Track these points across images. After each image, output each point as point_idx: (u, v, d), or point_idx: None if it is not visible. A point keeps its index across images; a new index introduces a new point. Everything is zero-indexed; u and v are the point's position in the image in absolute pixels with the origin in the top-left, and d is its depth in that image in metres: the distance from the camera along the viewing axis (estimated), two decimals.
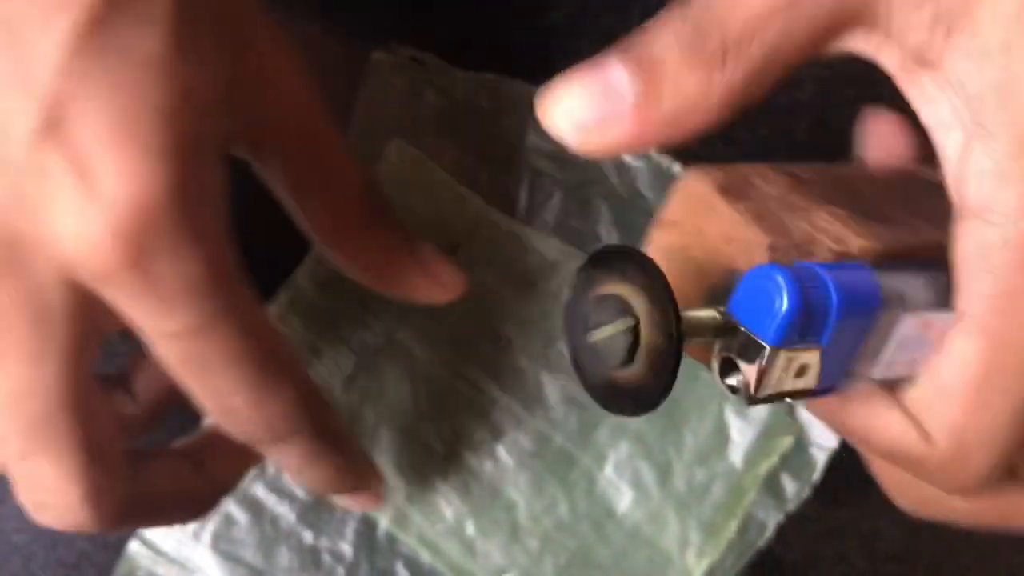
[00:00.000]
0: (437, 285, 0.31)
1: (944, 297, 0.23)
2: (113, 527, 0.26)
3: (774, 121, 0.37)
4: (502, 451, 0.35)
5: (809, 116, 0.37)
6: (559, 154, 0.36)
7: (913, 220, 0.24)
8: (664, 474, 0.34)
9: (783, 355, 0.21)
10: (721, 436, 0.34)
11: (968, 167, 0.21)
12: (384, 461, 0.35)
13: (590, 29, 0.38)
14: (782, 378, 0.21)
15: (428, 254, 0.32)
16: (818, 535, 0.34)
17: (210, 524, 0.35)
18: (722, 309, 0.21)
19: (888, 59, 0.23)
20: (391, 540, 0.35)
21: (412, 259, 0.31)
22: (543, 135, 0.36)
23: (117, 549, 0.35)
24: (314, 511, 0.35)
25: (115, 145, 0.22)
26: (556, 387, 0.35)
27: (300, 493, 0.35)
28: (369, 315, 0.35)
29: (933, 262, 0.23)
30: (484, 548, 0.34)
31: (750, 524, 0.34)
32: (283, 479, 0.35)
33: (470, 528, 0.35)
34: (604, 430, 0.35)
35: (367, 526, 0.35)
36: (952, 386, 0.22)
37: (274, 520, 0.35)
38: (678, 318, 0.20)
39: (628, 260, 0.21)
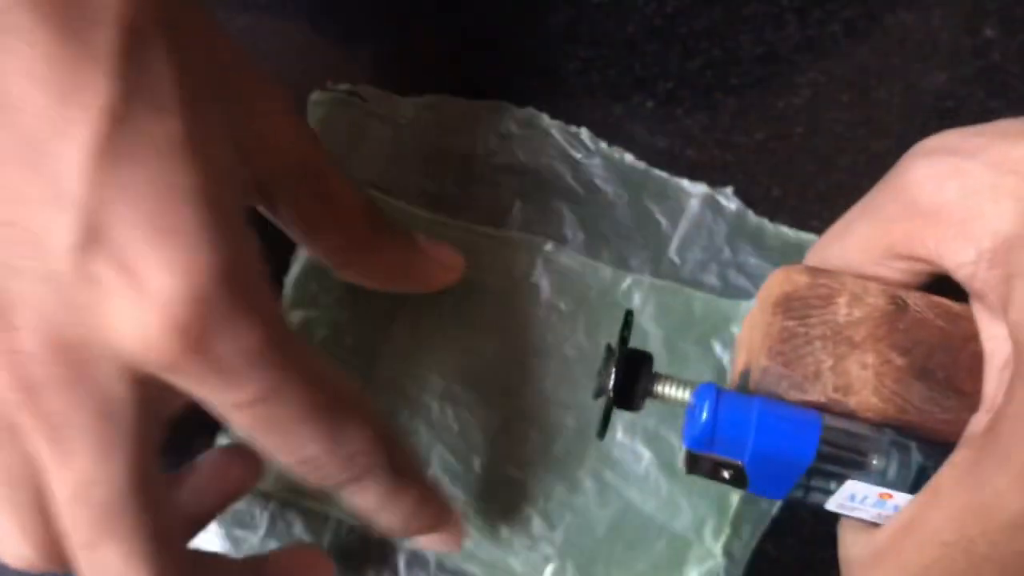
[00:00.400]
0: (444, 269, 0.33)
1: (921, 477, 0.24)
2: None
3: (771, 125, 0.37)
4: (507, 461, 0.35)
5: (806, 120, 0.37)
6: (512, 164, 0.36)
7: (968, 399, 0.25)
8: (669, 460, 0.34)
9: (697, 456, 0.25)
10: None
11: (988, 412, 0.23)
12: None
13: (587, 35, 0.38)
14: (707, 469, 0.26)
15: (426, 244, 0.33)
16: (814, 538, 0.34)
17: None
18: (690, 396, 0.26)
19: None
20: (412, 571, 0.34)
21: (418, 255, 0.33)
22: (493, 147, 0.36)
23: None
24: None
25: (154, 241, 0.22)
26: (550, 393, 0.35)
27: (314, 542, 0.34)
28: (349, 337, 0.35)
29: (940, 443, 0.24)
30: (503, 561, 0.34)
31: None
32: (293, 532, 0.34)
33: (487, 543, 0.34)
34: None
35: (386, 561, 0.34)
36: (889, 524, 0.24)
37: None
38: (619, 379, 0.26)
39: (623, 325, 0.27)
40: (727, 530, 0.33)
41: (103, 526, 0.24)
